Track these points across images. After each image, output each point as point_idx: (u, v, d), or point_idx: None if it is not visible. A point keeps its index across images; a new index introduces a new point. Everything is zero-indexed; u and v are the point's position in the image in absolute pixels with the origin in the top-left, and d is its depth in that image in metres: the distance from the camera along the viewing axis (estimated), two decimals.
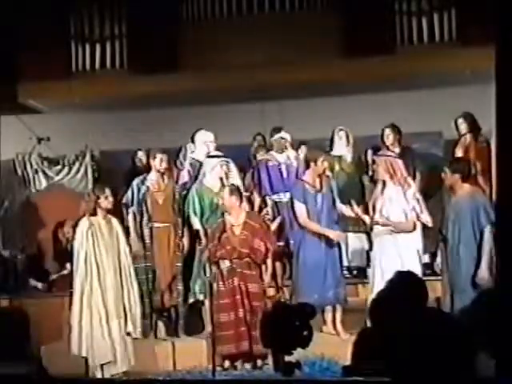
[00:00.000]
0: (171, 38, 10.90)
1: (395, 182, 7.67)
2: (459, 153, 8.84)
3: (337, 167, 9.19)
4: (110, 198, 7.73)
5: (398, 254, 7.53)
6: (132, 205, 8.43)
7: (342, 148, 9.24)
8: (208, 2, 11.00)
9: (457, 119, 8.94)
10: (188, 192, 8.52)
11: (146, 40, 10.86)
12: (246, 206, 8.21)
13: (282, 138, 9.00)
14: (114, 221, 7.86)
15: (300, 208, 7.95)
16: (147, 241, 8.40)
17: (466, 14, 10.31)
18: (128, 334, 7.75)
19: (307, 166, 8.13)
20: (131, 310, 7.73)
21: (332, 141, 9.31)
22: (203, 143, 8.83)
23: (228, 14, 10.95)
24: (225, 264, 7.78)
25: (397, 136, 9.07)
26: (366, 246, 8.87)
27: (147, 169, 8.78)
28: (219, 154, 8.65)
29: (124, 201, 8.52)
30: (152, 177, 8.52)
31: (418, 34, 10.65)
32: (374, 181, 8.34)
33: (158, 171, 8.48)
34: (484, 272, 6.98)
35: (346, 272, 8.65)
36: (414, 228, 7.60)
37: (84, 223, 7.73)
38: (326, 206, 7.98)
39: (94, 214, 7.73)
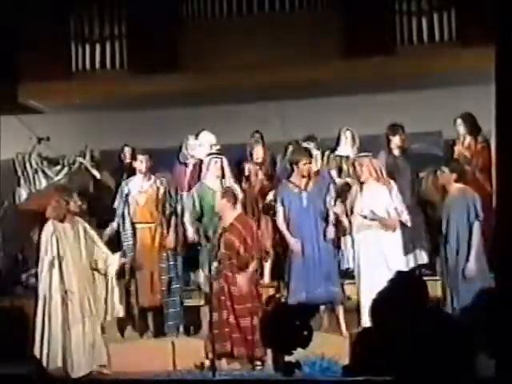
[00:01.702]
0: (171, 37, 10.90)
1: (379, 181, 7.78)
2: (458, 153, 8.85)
3: (344, 167, 9.13)
4: (78, 202, 7.88)
5: (380, 253, 7.61)
6: (118, 207, 8.51)
7: (348, 148, 9.21)
8: (208, 1, 11.00)
9: (456, 120, 8.93)
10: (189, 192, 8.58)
11: (146, 40, 10.85)
12: (239, 207, 8.21)
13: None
14: (81, 223, 7.92)
15: (279, 210, 8.11)
16: (130, 242, 8.44)
17: (466, 14, 10.30)
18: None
19: (292, 168, 8.26)
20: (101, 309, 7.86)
21: (338, 140, 9.27)
22: (205, 143, 8.88)
23: (228, 14, 10.94)
24: (213, 265, 7.84)
25: (402, 136, 9.05)
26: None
27: (130, 168, 8.85)
28: (213, 151, 8.69)
29: (115, 205, 8.60)
30: (136, 178, 8.59)
31: (418, 34, 10.64)
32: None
33: (140, 172, 8.53)
34: (472, 265, 7.24)
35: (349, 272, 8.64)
36: (396, 227, 7.75)
37: (48, 228, 7.81)
38: (312, 205, 8.02)
39: (62, 219, 7.80)
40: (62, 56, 11.14)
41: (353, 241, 7.97)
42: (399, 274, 4.34)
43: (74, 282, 7.74)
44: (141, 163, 8.51)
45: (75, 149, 10.57)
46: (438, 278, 7.62)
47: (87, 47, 11.25)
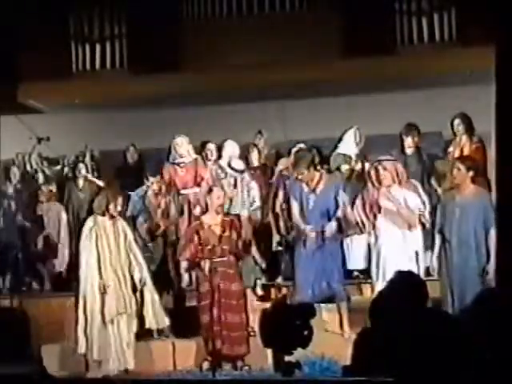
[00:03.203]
0: (171, 37, 10.90)
1: (403, 185, 7.74)
2: (456, 153, 8.83)
3: (347, 166, 9.09)
4: (119, 208, 7.86)
5: (399, 253, 7.56)
6: (138, 216, 8.57)
7: (352, 147, 9.17)
8: (208, 1, 11.00)
9: (453, 120, 8.92)
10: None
11: (146, 40, 10.86)
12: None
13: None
14: (121, 225, 7.93)
15: (294, 206, 8.06)
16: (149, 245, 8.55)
17: (466, 14, 10.31)
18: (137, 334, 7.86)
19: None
20: (143, 306, 7.84)
21: (341, 139, 9.22)
22: (229, 155, 8.90)
23: (228, 14, 10.95)
24: (206, 264, 7.80)
25: (416, 136, 9.01)
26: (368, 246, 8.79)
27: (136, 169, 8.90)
28: (236, 167, 8.81)
29: (129, 214, 8.65)
30: (150, 193, 8.70)
31: (418, 34, 10.65)
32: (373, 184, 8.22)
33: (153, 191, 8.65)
34: (492, 267, 7.00)
35: (355, 272, 8.64)
36: (415, 226, 7.66)
37: (89, 223, 7.83)
38: (318, 208, 7.97)
39: (102, 214, 7.80)
40: (62, 56, 11.15)
41: (371, 241, 7.92)
42: (399, 273, 4.34)
43: (110, 276, 7.73)
44: (155, 184, 8.64)
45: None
46: (438, 278, 7.59)
47: (87, 47, 11.27)
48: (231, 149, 8.97)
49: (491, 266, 7.07)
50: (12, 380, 3.72)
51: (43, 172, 10.60)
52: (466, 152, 8.63)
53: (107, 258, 7.76)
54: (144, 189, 8.80)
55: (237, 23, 10.89)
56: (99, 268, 7.71)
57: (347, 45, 10.50)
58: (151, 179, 8.73)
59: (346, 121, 9.59)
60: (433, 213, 7.82)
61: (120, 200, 7.93)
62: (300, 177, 7.99)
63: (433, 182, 8.77)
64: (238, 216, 8.21)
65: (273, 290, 8.59)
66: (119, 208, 7.89)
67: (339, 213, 7.93)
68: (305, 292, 7.80)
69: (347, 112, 10.32)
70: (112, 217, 7.85)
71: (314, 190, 8.01)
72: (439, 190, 8.50)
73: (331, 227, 7.91)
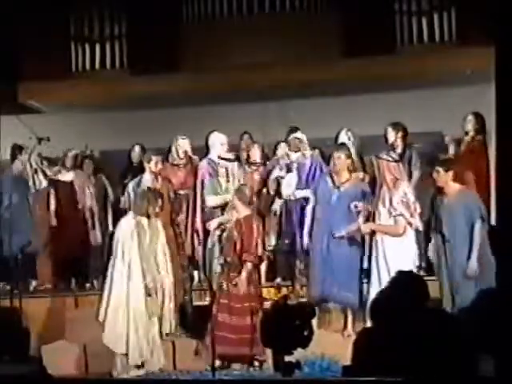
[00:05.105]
0: (171, 37, 10.91)
1: (389, 185, 7.67)
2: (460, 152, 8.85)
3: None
4: (157, 209, 7.90)
5: (393, 256, 7.53)
6: (130, 209, 8.49)
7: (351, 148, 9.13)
8: (208, 1, 11.01)
9: (466, 118, 8.90)
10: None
11: (146, 40, 10.87)
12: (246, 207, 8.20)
13: (297, 138, 8.92)
14: (158, 223, 7.96)
15: (310, 198, 8.05)
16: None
17: (466, 14, 10.33)
18: (167, 334, 7.92)
19: (328, 163, 8.18)
20: (167, 308, 7.89)
21: (336, 140, 9.21)
22: (219, 145, 8.87)
23: (228, 14, 10.95)
24: (217, 262, 7.86)
25: (399, 134, 8.98)
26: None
27: (141, 169, 8.86)
28: (226, 156, 8.75)
29: (122, 205, 8.58)
30: (147, 178, 8.55)
31: (418, 34, 10.66)
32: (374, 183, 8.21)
33: (153, 173, 8.50)
34: (474, 265, 7.17)
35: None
36: (404, 232, 7.58)
37: (130, 222, 7.82)
38: (341, 206, 7.79)
39: (141, 214, 7.86)
40: (61, 56, 11.16)
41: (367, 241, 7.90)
42: (399, 273, 4.34)
43: (149, 278, 7.74)
44: (155, 164, 8.51)
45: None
46: (437, 278, 7.59)
47: (87, 47, 11.27)
48: (217, 140, 8.95)
49: (472, 261, 7.15)
50: (12, 380, 3.72)
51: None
52: (469, 151, 8.66)
53: (149, 259, 7.78)
54: (139, 178, 8.65)
55: (237, 23, 10.90)
56: (143, 269, 7.72)
57: (347, 45, 10.51)
58: (154, 158, 8.55)
59: (345, 121, 9.58)
60: (430, 214, 7.83)
61: (160, 201, 7.96)
62: (339, 161, 7.87)
63: (409, 183, 8.73)
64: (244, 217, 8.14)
65: (272, 290, 8.60)
66: (158, 209, 7.92)
67: (360, 219, 7.78)
68: (314, 291, 7.79)
69: (347, 112, 10.33)
70: (149, 216, 7.88)
71: (338, 187, 7.88)
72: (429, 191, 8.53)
73: (346, 228, 7.73)
